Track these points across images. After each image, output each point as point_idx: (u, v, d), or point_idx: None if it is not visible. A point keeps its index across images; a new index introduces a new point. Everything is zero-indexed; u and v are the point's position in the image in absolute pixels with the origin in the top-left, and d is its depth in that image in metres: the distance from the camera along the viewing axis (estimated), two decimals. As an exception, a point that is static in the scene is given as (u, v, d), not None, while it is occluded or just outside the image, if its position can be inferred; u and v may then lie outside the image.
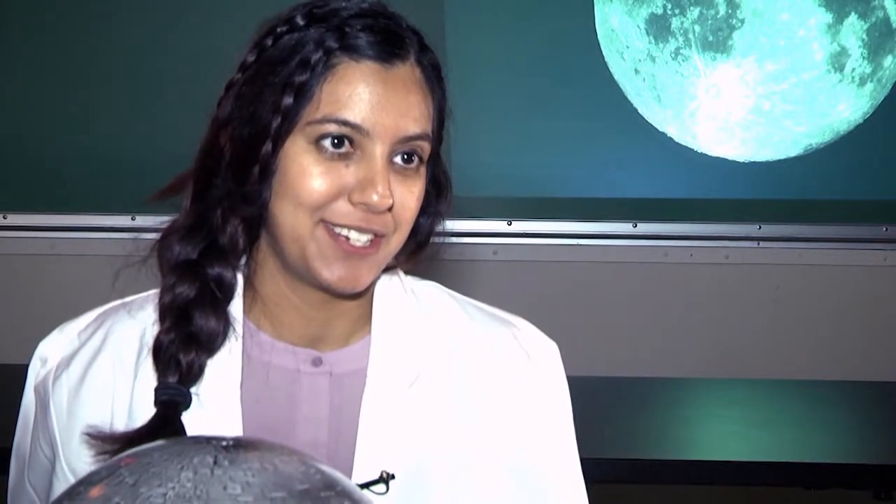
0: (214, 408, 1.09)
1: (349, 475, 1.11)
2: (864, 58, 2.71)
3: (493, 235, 2.87)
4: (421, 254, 1.18)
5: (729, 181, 2.82)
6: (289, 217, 1.06)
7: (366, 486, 1.10)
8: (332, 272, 1.07)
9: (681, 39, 2.71)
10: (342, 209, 1.06)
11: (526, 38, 2.77)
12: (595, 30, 2.75)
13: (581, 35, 2.76)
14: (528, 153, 2.82)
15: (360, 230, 1.06)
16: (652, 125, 2.78)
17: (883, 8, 2.70)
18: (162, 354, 1.08)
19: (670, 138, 2.78)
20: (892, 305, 2.91)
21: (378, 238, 1.08)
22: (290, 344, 1.14)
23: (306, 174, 1.05)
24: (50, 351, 1.15)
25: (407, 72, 1.08)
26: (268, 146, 1.05)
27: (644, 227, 2.86)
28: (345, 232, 1.06)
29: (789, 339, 2.93)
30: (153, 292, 1.15)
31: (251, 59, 1.09)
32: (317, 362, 1.14)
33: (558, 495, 1.20)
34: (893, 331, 2.91)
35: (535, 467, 1.18)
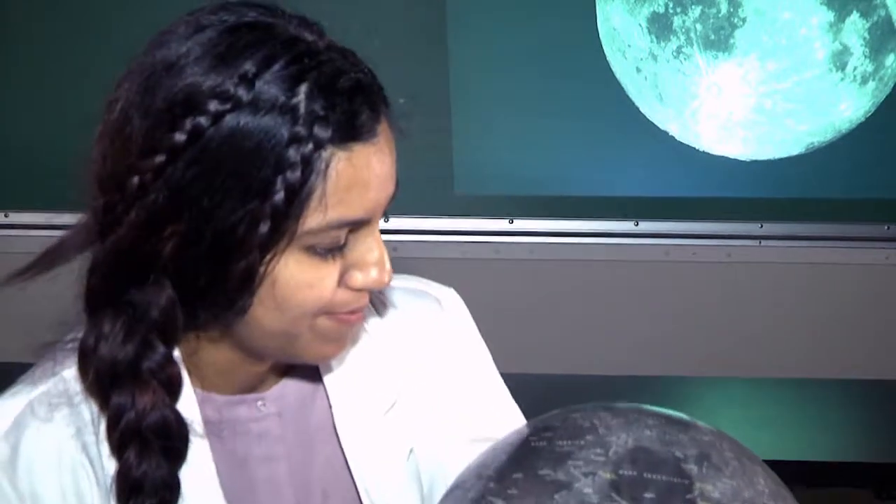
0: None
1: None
2: (865, 56, 2.70)
3: (494, 234, 2.87)
4: None
5: (731, 180, 2.81)
6: (283, 323, 0.95)
7: None
8: (325, 349, 1.01)
9: (682, 38, 2.71)
10: (344, 298, 0.96)
11: (527, 37, 2.77)
12: (596, 28, 2.75)
13: (582, 34, 2.75)
14: (529, 152, 2.82)
15: (358, 310, 0.98)
16: (654, 124, 2.78)
17: (885, 6, 2.70)
18: (145, 490, 0.96)
19: (672, 137, 2.78)
20: (893, 304, 2.91)
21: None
22: (233, 395, 1.07)
23: (306, 285, 0.93)
24: None
25: (383, 129, 0.93)
26: (247, 261, 0.90)
27: (646, 226, 2.86)
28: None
29: (791, 338, 2.92)
30: (45, 371, 1.02)
31: (180, 139, 0.87)
32: (263, 404, 1.08)
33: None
34: (895, 329, 2.91)
35: (487, 421, 1.17)
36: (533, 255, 2.88)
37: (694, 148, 2.79)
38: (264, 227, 0.88)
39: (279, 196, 0.87)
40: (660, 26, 2.72)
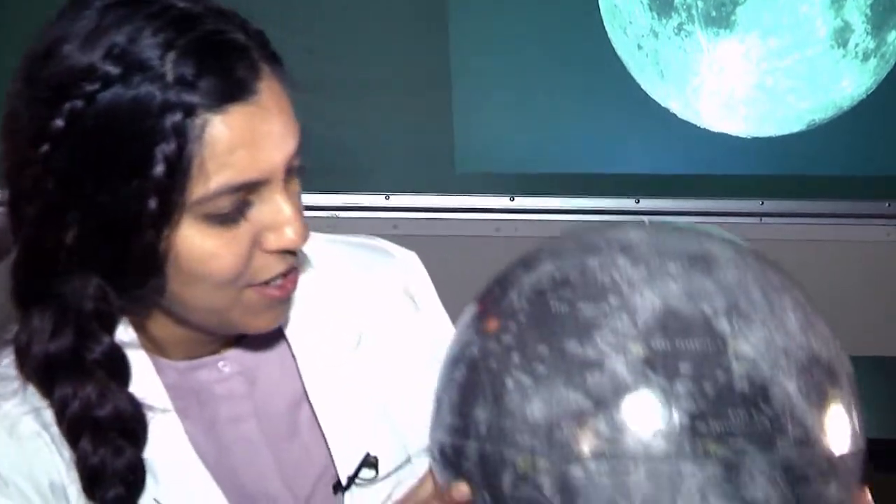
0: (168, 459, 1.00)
1: (321, 465, 1.07)
2: (867, 33, 2.70)
3: (495, 211, 2.87)
4: None
5: (731, 157, 2.81)
6: (205, 298, 0.93)
7: (354, 476, 1.05)
8: (260, 322, 0.98)
9: (684, 15, 2.70)
10: (263, 263, 0.93)
11: (528, 14, 2.76)
12: (598, 5, 2.74)
13: (584, 10, 2.74)
14: (529, 129, 2.81)
15: (285, 275, 0.96)
16: (655, 101, 2.77)
17: (887, -17, 2.69)
18: (106, 476, 0.94)
19: (673, 114, 2.78)
20: (894, 281, 2.91)
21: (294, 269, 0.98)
22: (192, 360, 1.06)
23: (210, 256, 0.90)
24: None
25: (267, 86, 0.90)
26: (144, 239, 0.88)
27: (646, 203, 2.86)
28: (273, 282, 0.96)
29: (791, 315, 2.92)
30: None
31: (59, 125, 0.86)
32: (224, 365, 1.07)
33: None
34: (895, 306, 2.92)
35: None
36: (534, 233, 2.88)
37: (695, 125, 2.78)
38: (153, 203, 0.86)
39: (159, 169, 0.85)
40: (661, 3, 2.71)
